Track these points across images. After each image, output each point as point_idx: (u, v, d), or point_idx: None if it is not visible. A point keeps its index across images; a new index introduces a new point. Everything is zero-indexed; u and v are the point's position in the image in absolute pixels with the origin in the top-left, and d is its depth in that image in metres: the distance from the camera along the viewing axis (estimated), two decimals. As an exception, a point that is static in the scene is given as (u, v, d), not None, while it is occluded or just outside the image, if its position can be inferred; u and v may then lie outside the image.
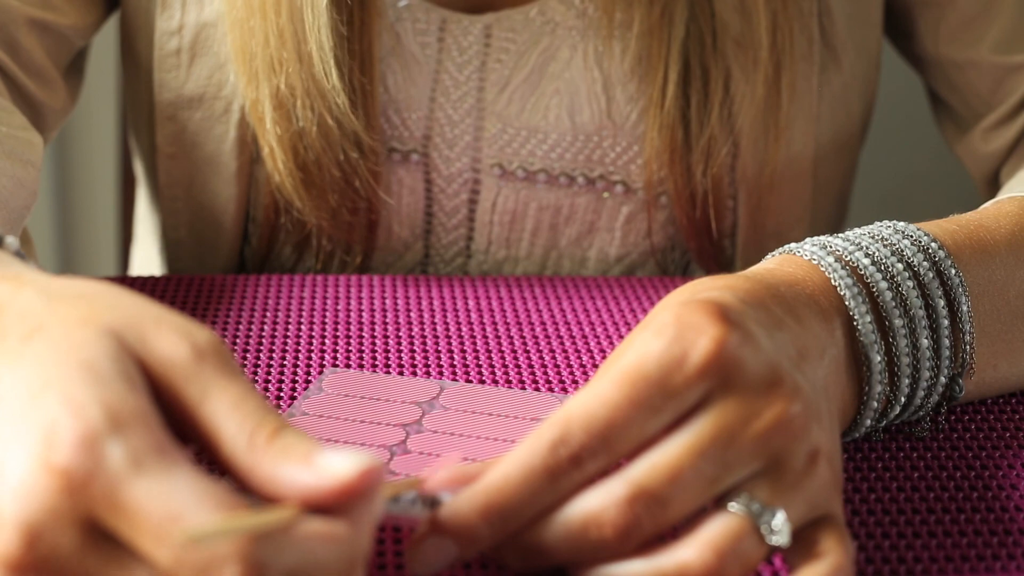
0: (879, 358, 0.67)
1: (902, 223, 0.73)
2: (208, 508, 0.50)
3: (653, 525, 0.56)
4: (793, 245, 0.71)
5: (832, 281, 0.68)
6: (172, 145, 1.02)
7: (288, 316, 0.88)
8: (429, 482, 0.58)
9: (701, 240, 1.01)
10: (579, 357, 0.83)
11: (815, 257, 0.69)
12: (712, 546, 0.56)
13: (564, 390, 0.78)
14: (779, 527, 0.57)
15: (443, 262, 1.04)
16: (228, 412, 0.53)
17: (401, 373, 0.80)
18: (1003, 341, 0.74)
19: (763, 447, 0.58)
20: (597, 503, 0.57)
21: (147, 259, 1.17)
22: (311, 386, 0.76)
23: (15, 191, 0.83)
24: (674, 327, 0.59)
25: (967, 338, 0.70)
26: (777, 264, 0.69)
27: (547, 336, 0.86)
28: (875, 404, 0.68)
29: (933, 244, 0.71)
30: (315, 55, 0.92)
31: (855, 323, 0.67)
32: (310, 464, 0.52)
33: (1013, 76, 1.00)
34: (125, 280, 0.93)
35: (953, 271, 0.70)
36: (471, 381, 0.79)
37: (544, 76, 0.99)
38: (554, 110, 0.99)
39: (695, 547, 0.56)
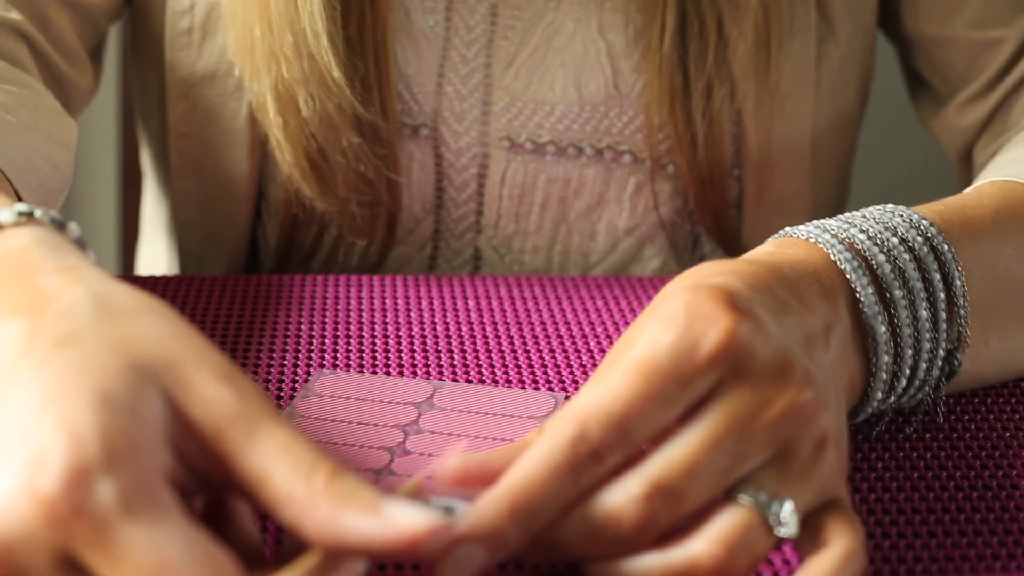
0: (884, 328, 0.66)
1: (891, 205, 0.72)
2: (198, 559, 0.48)
3: (669, 518, 0.56)
4: (789, 228, 0.71)
5: (832, 257, 0.67)
6: (184, 124, 1.01)
7: (288, 316, 0.86)
8: (439, 473, 0.57)
9: (705, 193, 1.00)
10: (579, 357, 0.81)
11: (812, 235, 0.68)
12: (721, 540, 0.56)
13: (564, 389, 0.77)
14: (787, 518, 0.56)
15: (453, 237, 1.03)
16: (278, 453, 0.51)
17: (401, 373, 0.78)
18: (993, 316, 0.74)
19: (774, 436, 0.57)
20: (616, 501, 0.56)
21: (154, 258, 1.16)
22: (303, 389, 0.75)
23: (51, 173, 0.82)
24: (685, 316, 0.58)
25: (962, 312, 0.70)
26: (777, 247, 0.69)
27: (547, 336, 0.84)
28: (884, 375, 0.67)
29: (924, 221, 0.70)
30: (308, 34, 0.91)
31: (858, 295, 0.66)
32: (377, 513, 0.50)
33: (988, 51, 1.01)
34: (130, 280, 0.91)
35: (946, 246, 0.70)
36: (471, 381, 0.78)
37: (550, 50, 0.99)
38: (560, 82, 0.99)
39: (705, 541, 0.56)
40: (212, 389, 0.52)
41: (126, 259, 1.50)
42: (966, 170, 1.05)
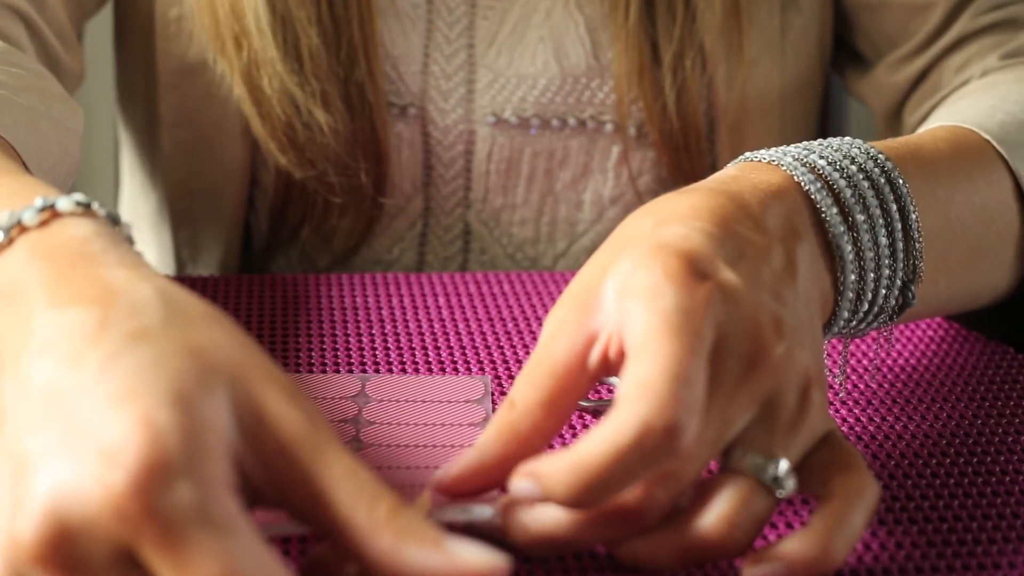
0: (849, 248, 0.66)
1: (848, 138, 0.71)
2: (266, 574, 0.47)
3: (669, 497, 0.56)
4: (750, 153, 0.69)
5: (796, 178, 0.66)
6: (176, 113, 1.00)
7: (261, 316, 0.85)
8: (439, 488, 0.57)
9: (680, 162, 1.00)
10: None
11: (775, 159, 0.68)
12: (726, 517, 0.56)
13: (486, 373, 0.77)
14: (784, 479, 0.57)
15: (443, 213, 1.03)
16: (343, 478, 0.50)
17: (325, 370, 0.77)
18: (944, 258, 0.74)
19: (756, 394, 0.57)
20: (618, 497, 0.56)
21: None
22: None
23: (61, 157, 0.81)
24: (669, 285, 0.57)
25: (917, 246, 0.69)
26: (739, 170, 0.68)
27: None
28: (850, 295, 0.66)
29: (880, 155, 0.70)
30: (253, 31, 0.92)
31: (823, 215, 0.65)
32: (441, 549, 0.49)
33: (919, 16, 1.01)
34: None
35: (901, 180, 0.69)
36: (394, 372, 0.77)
37: (529, 26, 0.99)
38: (541, 56, 0.99)
39: (711, 520, 0.56)
40: (281, 407, 0.51)
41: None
42: (893, 130, 1.05)
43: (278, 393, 0.52)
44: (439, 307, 0.87)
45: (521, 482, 0.55)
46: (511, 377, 0.77)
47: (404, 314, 0.85)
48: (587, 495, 0.54)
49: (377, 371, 0.77)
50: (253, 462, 0.51)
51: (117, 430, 0.48)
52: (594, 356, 0.59)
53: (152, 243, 1.10)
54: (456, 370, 0.78)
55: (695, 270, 0.58)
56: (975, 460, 0.70)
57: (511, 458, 0.58)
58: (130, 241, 0.60)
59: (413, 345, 0.81)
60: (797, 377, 0.59)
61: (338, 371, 0.77)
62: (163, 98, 1.00)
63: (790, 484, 0.57)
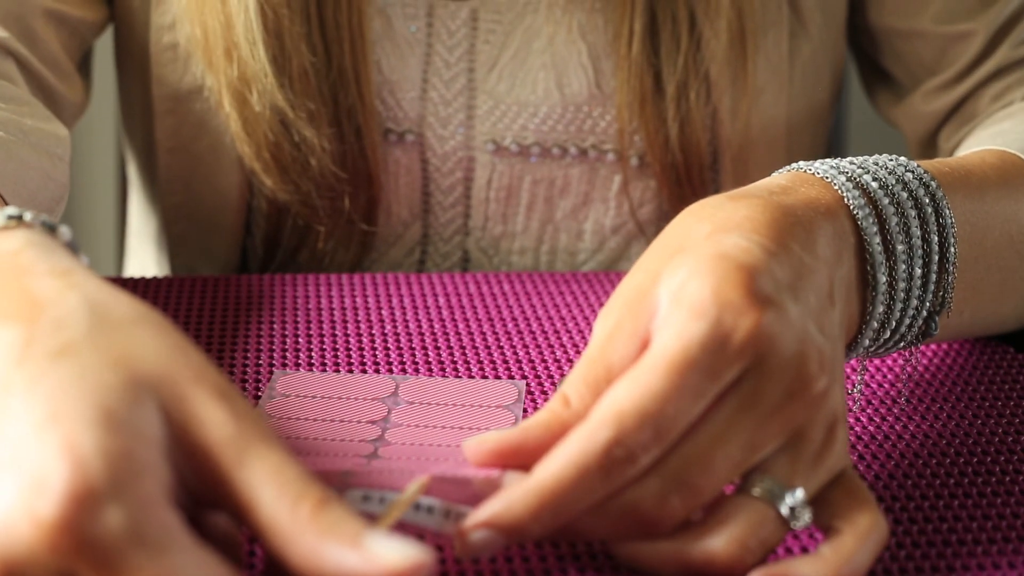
0: (884, 279, 0.65)
1: (903, 158, 0.71)
2: None
3: (686, 510, 0.56)
4: (803, 163, 0.69)
5: (846, 200, 0.65)
6: (172, 139, 1.00)
7: (260, 316, 0.84)
8: (468, 452, 0.57)
9: (683, 193, 0.99)
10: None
11: (828, 176, 0.67)
12: (737, 539, 0.56)
13: (524, 378, 0.76)
14: (800, 511, 0.57)
15: (442, 240, 1.02)
16: (267, 478, 0.50)
17: (364, 370, 0.77)
18: (972, 289, 0.73)
19: (788, 424, 0.57)
20: (634, 497, 0.55)
21: (142, 270, 1.14)
22: (266, 390, 0.73)
23: (43, 184, 0.81)
24: (714, 306, 0.57)
25: (950, 279, 0.68)
26: (790, 182, 0.67)
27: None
28: (875, 324, 0.66)
29: (933, 182, 0.69)
30: (242, 42, 0.92)
31: (865, 243, 0.65)
32: (358, 547, 0.49)
33: (956, 45, 1.00)
34: (118, 282, 0.89)
35: (948, 211, 0.68)
36: (432, 374, 0.77)
37: (531, 52, 0.98)
38: (543, 83, 0.98)
39: (722, 540, 0.56)
40: (208, 408, 0.51)
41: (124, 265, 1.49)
42: (927, 156, 1.04)
43: (206, 394, 0.51)
44: (439, 307, 0.87)
45: (478, 533, 0.55)
46: (511, 376, 0.77)
47: (404, 314, 0.86)
48: (551, 514, 0.55)
49: (377, 371, 0.77)
50: (184, 467, 0.51)
51: (42, 459, 0.48)
52: None
53: (153, 263, 1.11)
54: (456, 370, 0.78)
55: (753, 289, 0.58)
56: (975, 460, 0.69)
57: (550, 450, 0.57)
58: (71, 247, 0.60)
59: (413, 345, 0.81)
60: (828, 413, 0.58)
61: (338, 371, 0.77)
62: (159, 124, 1.00)
63: (806, 517, 0.57)
